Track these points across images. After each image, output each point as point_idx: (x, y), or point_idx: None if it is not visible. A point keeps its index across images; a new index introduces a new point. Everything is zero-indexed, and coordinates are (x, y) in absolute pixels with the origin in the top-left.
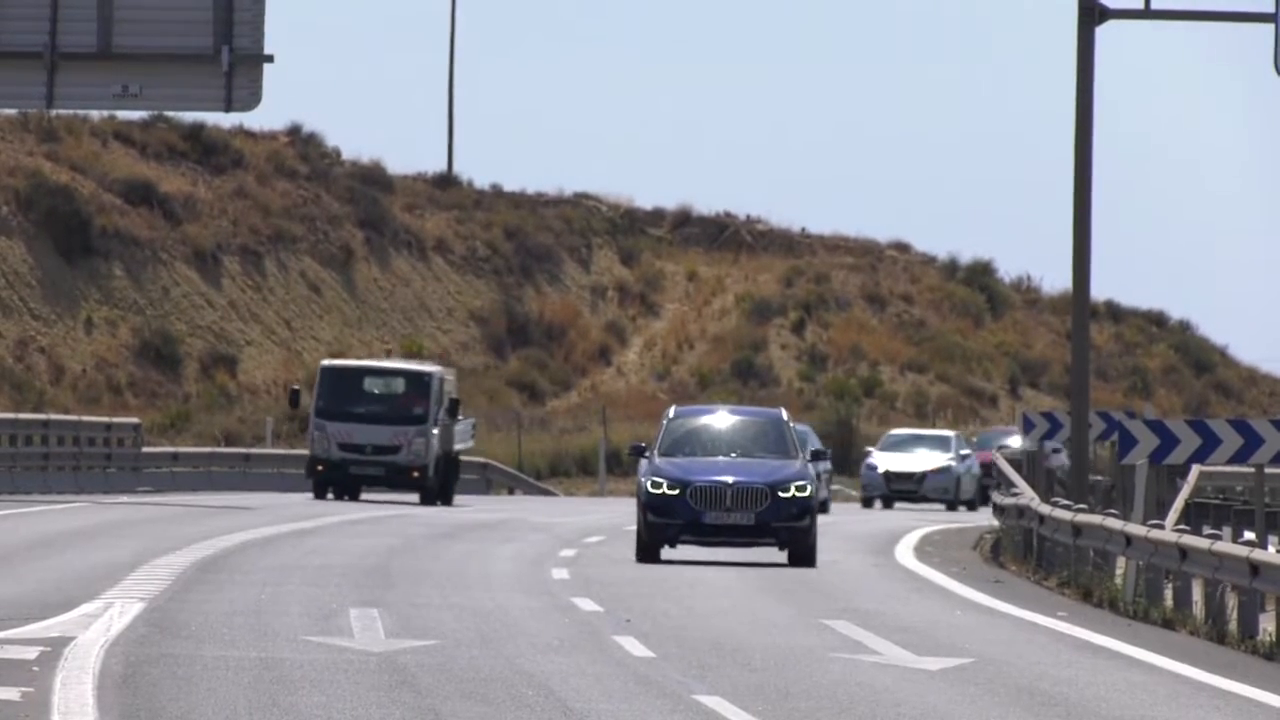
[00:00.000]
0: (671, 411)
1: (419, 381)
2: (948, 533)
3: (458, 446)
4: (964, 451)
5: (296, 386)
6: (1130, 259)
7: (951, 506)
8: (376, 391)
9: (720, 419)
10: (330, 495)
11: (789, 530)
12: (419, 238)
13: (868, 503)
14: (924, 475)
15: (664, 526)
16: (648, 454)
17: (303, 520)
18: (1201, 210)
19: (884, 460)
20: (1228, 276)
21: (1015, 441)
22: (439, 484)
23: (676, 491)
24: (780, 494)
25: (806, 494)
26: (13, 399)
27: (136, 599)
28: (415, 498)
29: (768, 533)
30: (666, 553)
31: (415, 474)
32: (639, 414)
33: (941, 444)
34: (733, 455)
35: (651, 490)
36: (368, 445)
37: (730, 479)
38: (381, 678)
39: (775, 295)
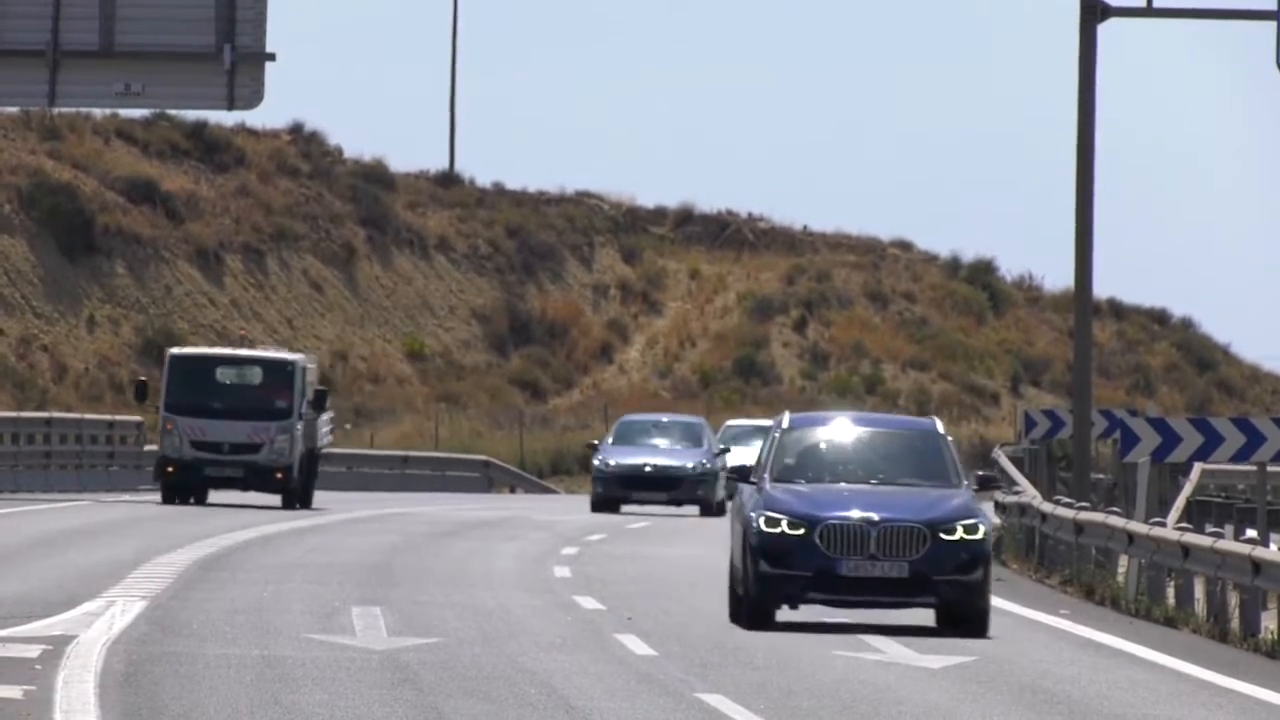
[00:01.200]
0: (785, 420)
1: (280, 371)
2: None
3: (321, 443)
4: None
5: (143, 378)
6: (1132, 257)
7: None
8: (232, 383)
9: (852, 431)
10: (187, 500)
11: (954, 586)
12: (421, 236)
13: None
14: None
15: (784, 580)
16: (753, 479)
17: (304, 518)
18: (1203, 208)
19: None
20: (1230, 274)
21: None
22: (302, 485)
23: (801, 531)
24: (943, 536)
25: (978, 536)
26: (15, 397)
27: (138, 597)
28: (274, 500)
29: (926, 589)
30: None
31: (279, 475)
32: (640, 411)
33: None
34: (873, 482)
35: (766, 529)
36: (224, 443)
37: (876, 515)
38: (384, 675)
39: (777, 293)
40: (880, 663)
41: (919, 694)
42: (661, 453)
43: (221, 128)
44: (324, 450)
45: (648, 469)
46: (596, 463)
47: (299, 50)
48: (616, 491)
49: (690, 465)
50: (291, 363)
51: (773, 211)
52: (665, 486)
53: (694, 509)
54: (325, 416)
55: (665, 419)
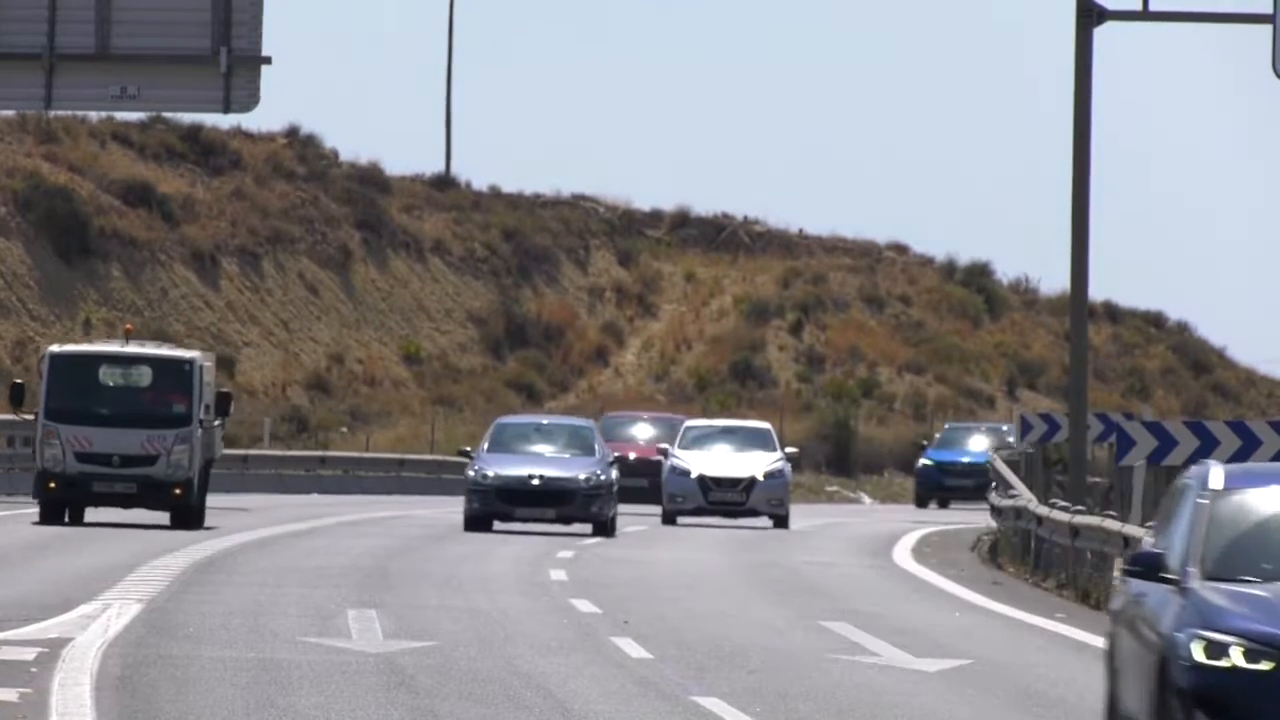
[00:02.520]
0: (1216, 475)
1: (176, 372)
2: (945, 534)
3: (218, 453)
4: (790, 450)
5: (18, 380)
6: (1128, 260)
7: (781, 523)
8: (121, 385)
9: None
10: (79, 519)
11: None
12: (417, 239)
13: (670, 518)
14: (752, 482)
15: None
16: (1168, 572)
17: (300, 521)
18: (1200, 211)
19: (696, 462)
20: (1226, 277)
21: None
22: (200, 501)
23: (1269, 665)
24: None
25: None
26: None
27: (134, 600)
28: (165, 518)
29: None
30: None
31: (177, 491)
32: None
33: (761, 440)
34: None
35: (1207, 660)
36: (114, 455)
37: None
38: (379, 679)
39: (773, 296)
40: (876, 666)
41: (915, 697)
42: (548, 462)
43: (217, 131)
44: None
45: (534, 481)
46: (472, 474)
47: (295, 53)
48: (496, 507)
49: (583, 477)
50: (188, 361)
51: (768, 214)
52: (554, 501)
53: (585, 527)
54: (222, 422)
55: (547, 421)
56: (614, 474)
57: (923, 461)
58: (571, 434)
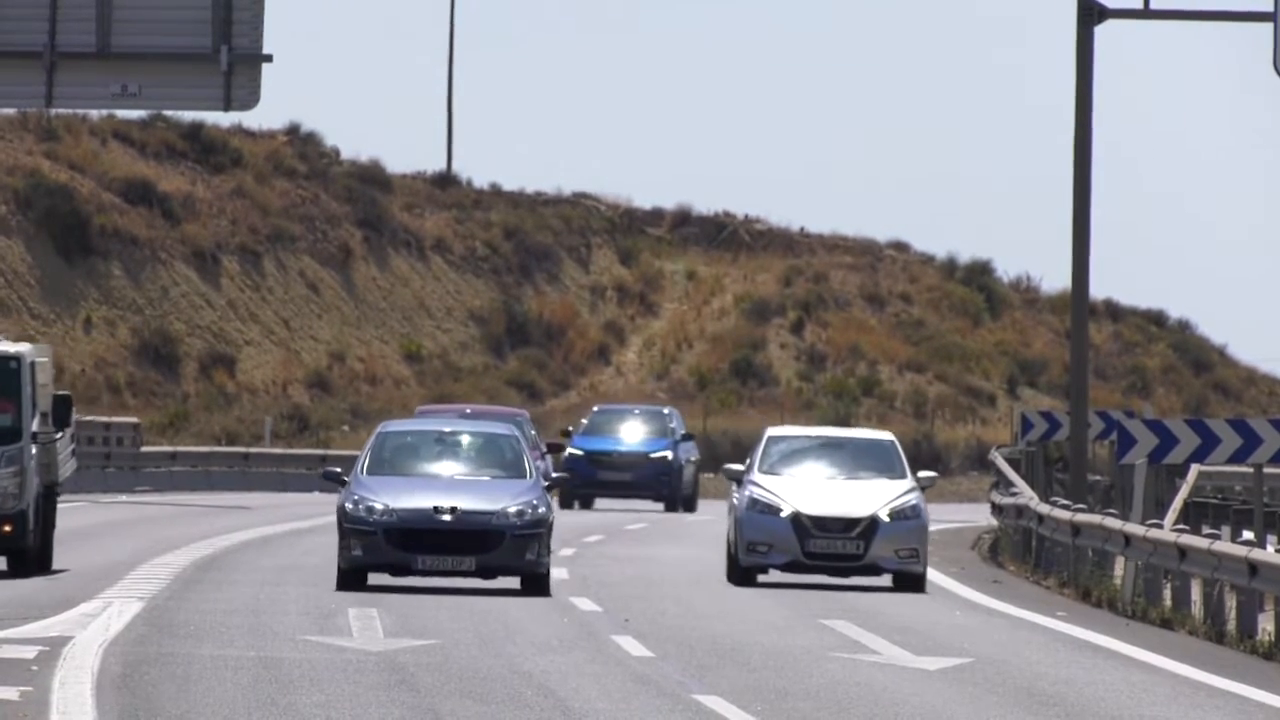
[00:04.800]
0: None
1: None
2: (946, 532)
3: (63, 473)
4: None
5: None
6: (1129, 258)
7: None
8: None
9: None
10: None
11: None
12: (418, 237)
13: (745, 575)
14: (872, 524)
15: None
16: None
17: (301, 520)
18: (1200, 209)
19: (787, 493)
20: (1227, 276)
21: None
22: (40, 541)
23: None
24: None
25: None
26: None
27: (135, 598)
28: None
29: None
30: None
31: (5, 528)
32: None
33: (882, 459)
34: None
35: None
36: None
37: None
38: (380, 677)
39: (774, 295)
40: (877, 664)
41: (915, 695)
42: (461, 488)
43: (218, 129)
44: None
45: (443, 517)
46: (349, 506)
47: (296, 51)
48: (388, 555)
49: (513, 510)
50: (14, 358)
51: (769, 213)
52: (472, 546)
53: (513, 580)
54: (65, 434)
55: (453, 428)
56: (552, 503)
57: (570, 451)
58: (489, 446)
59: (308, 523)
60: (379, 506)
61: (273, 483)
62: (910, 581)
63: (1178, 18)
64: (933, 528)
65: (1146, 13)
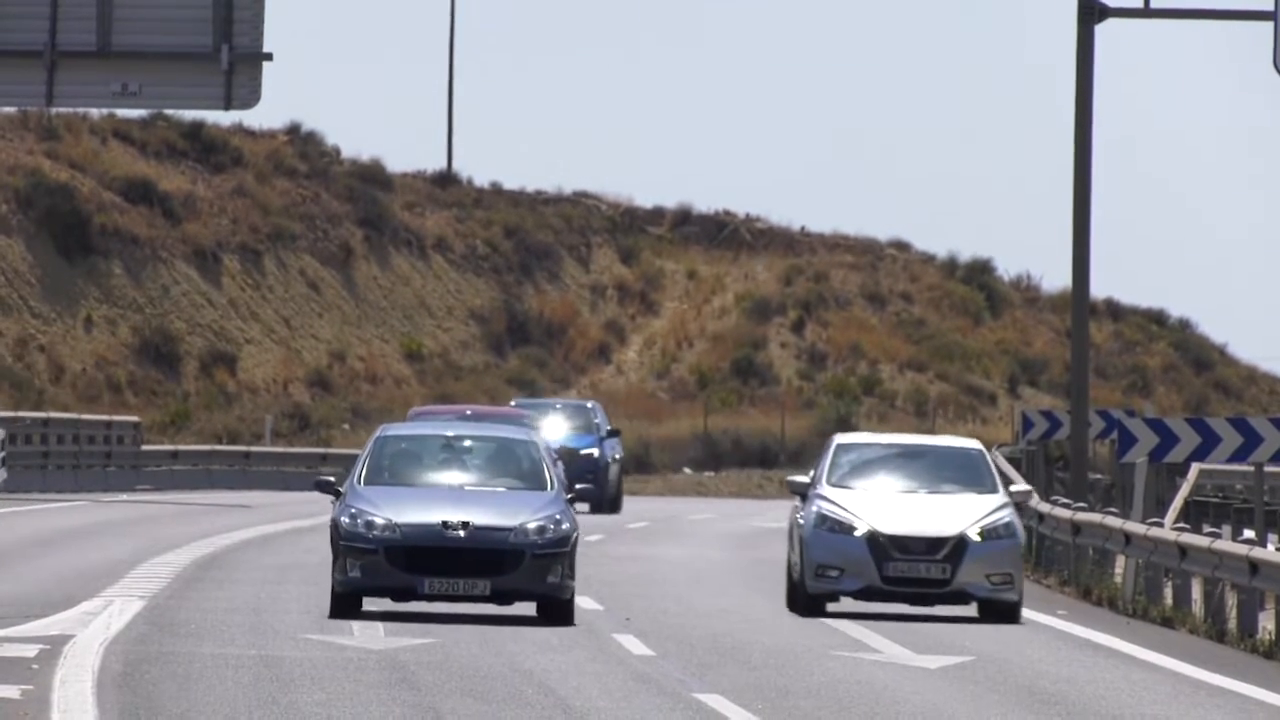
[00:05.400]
0: None
1: None
2: None
3: None
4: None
5: None
6: (1130, 257)
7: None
8: None
9: None
10: None
11: None
12: (418, 236)
13: (812, 604)
14: (960, 544)
15: None
16: None
17: (302, 519)
18: (1201, 208)
19: (862, 508)
20: (1227, 275)
21: None
22: None
23: None
24: None
25: None
26: (12, 397)
27: (136, 597)
28: None
29: None
30: None
31: None
32: (638, 412)
33: (970, 469)
34: None
35: None
36: None
37: None
38: (381, 675)
39: (775, 294)
40: (878, 662)
41: (916, 694)
42: (473, 500)
43: (219, 128)
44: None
45: (456, 533)
46: (346, 520)
47: (296, 50)
48: (390, 576)
49: (532, 526)
50: None
51: (770, 212)
52: (487, 567)
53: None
54: None
55: (455, 432)
56: (576, 518)
57: None
58: (504, 452)
59: (308, 521)
60: (380, 521)
61: (273, 481)
62: (1002, 611)
63: (1178, 16)
64: None
65: (1147, 11)
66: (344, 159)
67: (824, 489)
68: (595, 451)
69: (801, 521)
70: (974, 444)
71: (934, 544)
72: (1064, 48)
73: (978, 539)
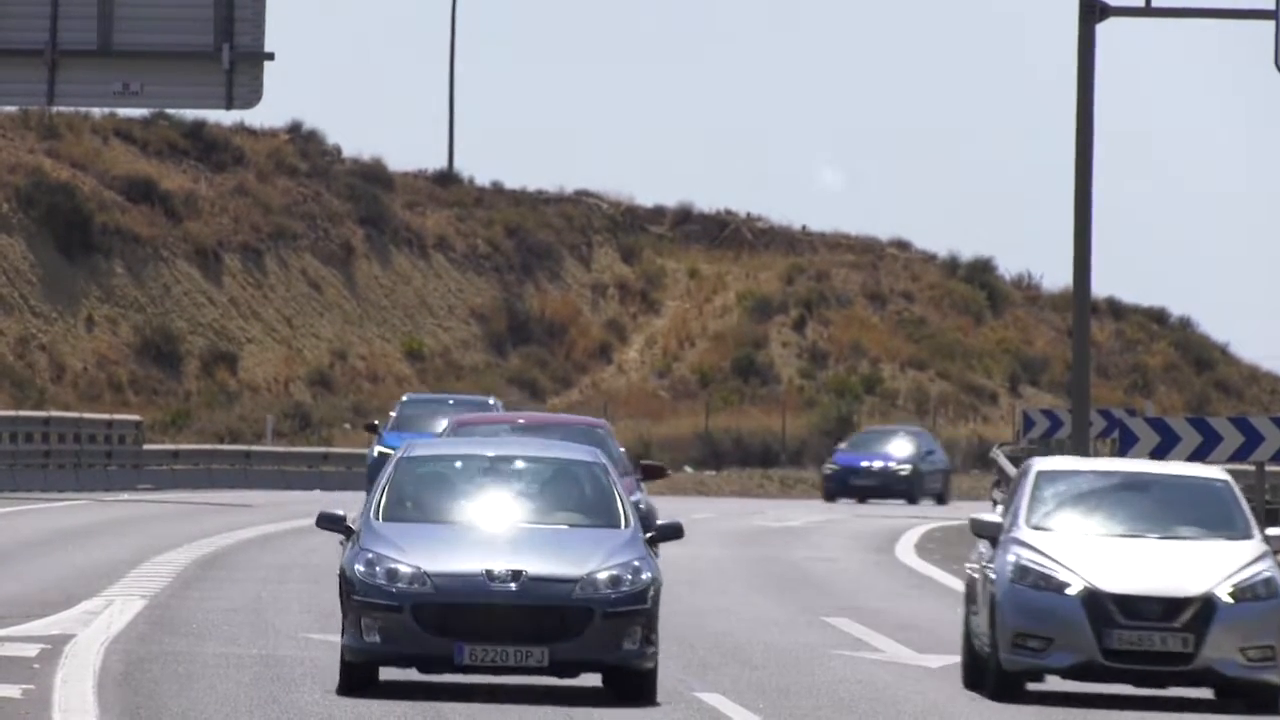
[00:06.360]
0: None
1: None
2: (949, 530)
3: None
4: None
5: None
6: (1131, 256)
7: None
8: None
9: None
10: None
11: None
12: (420, 235)
13: (1007, 683)
14: (1207, 607)
15: None
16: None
17: (303, 518)
18: (1202, 207)
19: (1075, 557)
20: (1229, 274)
21: None
22: None
23: None
24: None
25: None
26: (14, 396)
27: (137, 596)
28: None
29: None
30: None
31: None
32: (640, 411)
33: (1215, 507)
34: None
35: None
36: None
37: None
38: (383, 675)
39: (776, 293)
40: (878, 662)
41: (917, 693)
42: (526, 543)
43: (220, 127)
44: None
45: (505, 585)
46: (360, 569)
47: (297, 49)
48: (422, 643)
49: (603, 577)
50: None
51: (771, 211)
52: (543, 632)
53: None
54: None
55: (504, 454)
56: (656, 565)
57: (379, 450)
58: (564, 479)
59: (309, 521)
60: (405, 569)
61: (274, 481)
62: (1259, 696)
63: (1179, 16)
64: (931, 526)
65: (1148, 11)
66: (345, 158)
67: (1023, 532)
68: None
69: (992, 575)
70: (1219, 474)
71: (1173, 607)
72: (1065, 47)
73: (1229, 600)
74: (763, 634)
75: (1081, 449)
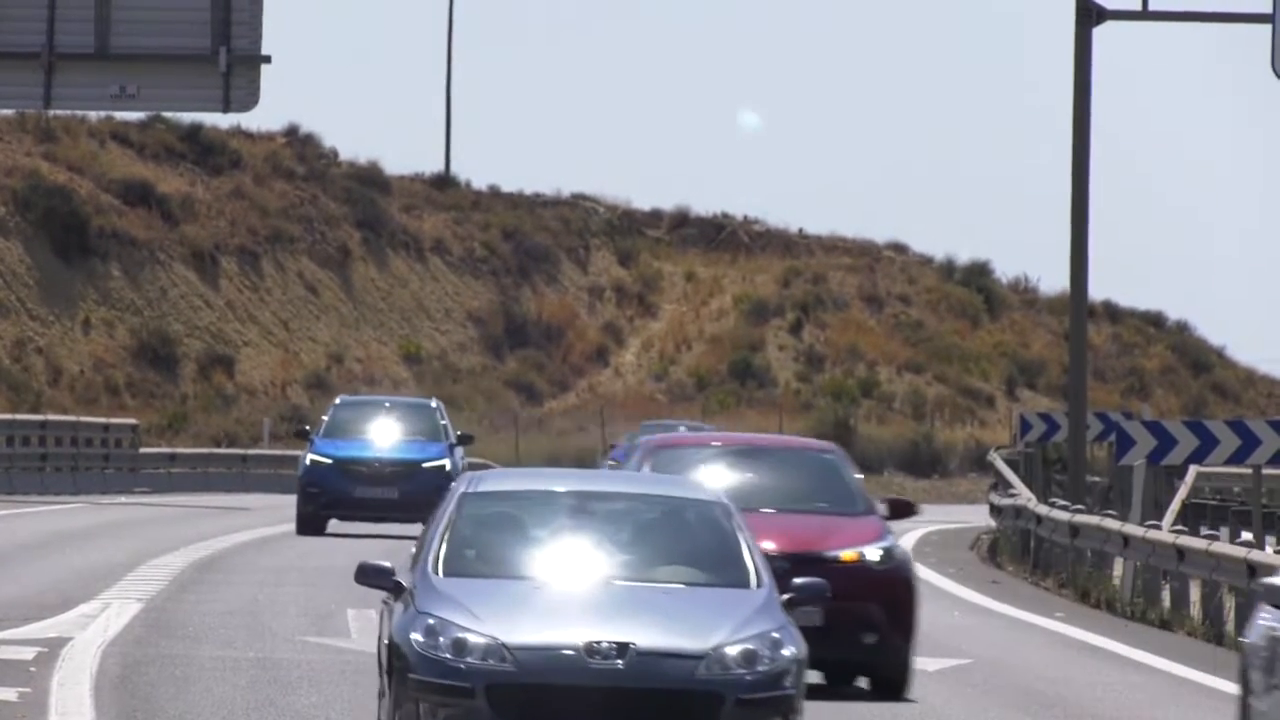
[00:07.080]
0: None
1: None
2: (945, 533)
3: None
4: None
5: None
6: (1128, 259)
7: None
8: None
9: None
10: None
11: None
12: (416, 238)
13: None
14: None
15: None
16: None
17: None
18: (1199, 211)
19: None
20: (1225, 277)
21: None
22: None
23: None
24: None
25: None
26: (10, 400)
27: (134, 599)
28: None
29: None
30: None
31: None
32: (637, 414)
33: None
34: None
35: None
36: None
37: None
38: (379, 678)
39: (773, 296)
40: None
41: (915, 696)
42: (627, 608)
43: (217, 130)
44: None
45: (610, 664)
46: (423, 637)
47: (294, 53)
48: None
49: (732, 652)
50: None
51: (768, 214)
52: None
53: None
54: None
55: (598, 490)
56: (799, 636)
57: (312, 458)
58: (674, 521)
59: None
60: (479, 641)
61: (271, 484)
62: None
63: (1176, 19)
64: (931, 529)
65: (1145, 14)
66: (342, 161)
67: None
68: (446, 463)
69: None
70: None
71: None
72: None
73: None
74: None
75: (1078, 452)
